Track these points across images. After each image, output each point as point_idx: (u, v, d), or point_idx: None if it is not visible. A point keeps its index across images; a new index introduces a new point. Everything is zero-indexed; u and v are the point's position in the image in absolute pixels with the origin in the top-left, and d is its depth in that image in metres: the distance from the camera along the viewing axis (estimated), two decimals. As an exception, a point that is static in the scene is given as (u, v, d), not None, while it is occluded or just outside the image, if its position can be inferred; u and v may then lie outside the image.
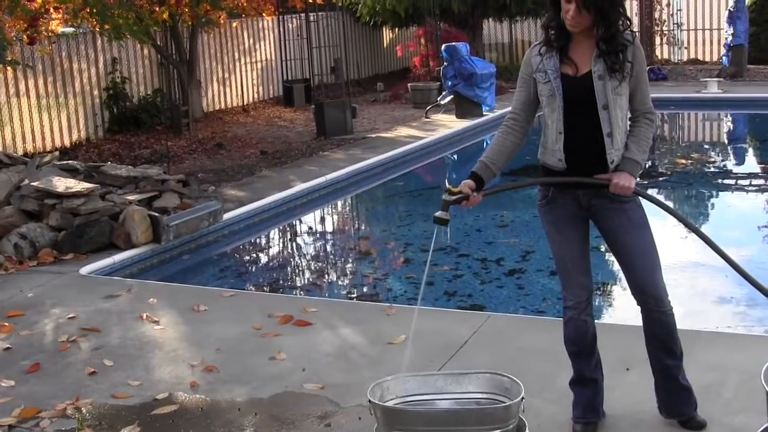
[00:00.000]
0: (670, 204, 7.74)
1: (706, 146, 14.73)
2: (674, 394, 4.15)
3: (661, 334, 4.04)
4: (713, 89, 16.86)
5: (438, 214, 3.99)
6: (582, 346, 4.14)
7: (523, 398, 3.78)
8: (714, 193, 11.27)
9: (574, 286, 4.10)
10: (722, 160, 13.34)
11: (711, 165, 12.69)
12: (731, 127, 16.87)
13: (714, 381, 4.58)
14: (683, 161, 12.63)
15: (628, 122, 4.03)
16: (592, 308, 4.13)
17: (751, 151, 14.21)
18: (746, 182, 11.61)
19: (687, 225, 4.08)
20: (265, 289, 7.99)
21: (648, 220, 4.08)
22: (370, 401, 3.83)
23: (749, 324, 6.43)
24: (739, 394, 4.49)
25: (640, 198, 4.06)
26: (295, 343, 5.53)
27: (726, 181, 11.90)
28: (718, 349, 5.06)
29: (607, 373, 4.27)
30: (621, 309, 6.22)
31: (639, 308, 4.08)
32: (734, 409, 4.33)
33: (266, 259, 9.21)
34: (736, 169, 12.62)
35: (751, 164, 13.13)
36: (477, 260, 8.14)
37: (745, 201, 10.81)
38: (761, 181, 11.73)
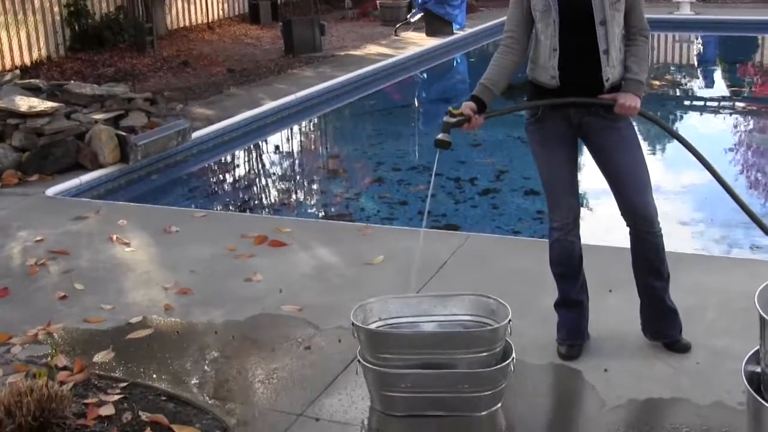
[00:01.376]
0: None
1: (678, 68, 14.61)
2: (660, 316, 4.06)
3: (649, 255, 3.93)
4: (686, 11, 16.73)
5: (439, 136, 3.81)
6: (568, 267, 4.02)
7: (510, 321, 3.67)
8: (683, 114, 11.21)
9: (562, 207, 3.96)
10: (694, 82, 13.25)
11: (683, 87, 12.59)
12: (702, 50, 16.73)
13: (696, 304, 4.50)
14: (656, 82, 12.51)
15: (624, 40, 3.86)
16: (578, 229, 4.00)
17: (721, 73, 14.10)
18: (715, 104, 11.56)
19: (689, 148, 3.92)
20: (237, 209, 7.82)
21: (639, 139, 3.95)
22: (353, 324, 3.70)
23: (729, 247, 6.41)
24: (721, 317, 4.43)
25: (631, 117, 3.91)
26: (270, 265, 5.38)
27: (696, 103, 11.84)
28: (699, 272, 4.97)
29: (590, 295, 4.17)
30: (603, 230, 6.11)
31: (626, 229, 3.97)
32: (717, 332, 4.26)
33: (237, 179, 9.00)
34: (708, 92, 12.57)
35: (722, 87, 13.07)
36: (451, 180, 7.99)
37: (711, 123, 10.75)
38: (730, 103, 11.68)
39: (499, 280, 4.95)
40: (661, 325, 4.07)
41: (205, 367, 4.21)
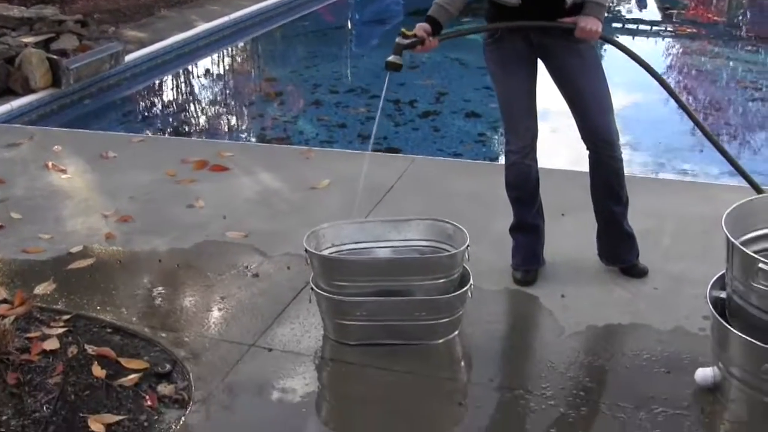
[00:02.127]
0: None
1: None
2: (617, 241, 3.91)
3: (609, 179, 3.75)
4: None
5: (390, 58, 3.54)
6: (524, 191, 3.83)
7: (468, 246, 3.49)
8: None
9: (519, 129, 3.75)
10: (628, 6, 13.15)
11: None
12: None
13: (652, 228, 4.35)
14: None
15: None
16: (535, 152, 3.80)
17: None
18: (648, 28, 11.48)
19: (652, 73, 3.72)
20: (175, 133, 7.46)
21: (601, 61, 3.75)
22: (306, 250, 3.48)
23: (684, 171, 6.28)
24: (677, 241, 4.30)
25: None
26: (213, 190, 5.10)
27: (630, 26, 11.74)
28: (655, 195, 4.82)
29: (545, 219, 3.98)
30: (558, 153, 5.95)
31: (582, 152, 3.78)
32: (674, 257, 4.13)
33: (173, 103, 8.59)
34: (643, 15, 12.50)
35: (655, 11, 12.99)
36: (390, 102, 7.73)
37: (648, 46, 10.64)
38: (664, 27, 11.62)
39: (449, 204, 4.75)
40: (619, 249, 3.93)
41: (151, 298, 3.95)
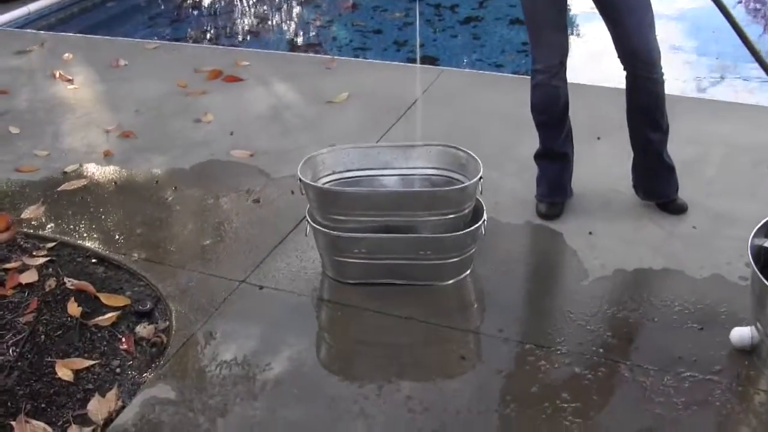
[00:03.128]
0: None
1: None
2: (655, 173, 3.40)
3: (647, 104, 3.23)
4: None
5: None
6: (551, 115, 3.34)
7: (481, 178, 3.04)
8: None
9: (546, 45, 3.23)
10: None
11: None
12: None
13: (695, 157, 3.83)
14: None
15: None
16: (565, 72, 3.28)
17: None
18: None
19: None
20: (195, 39, 6.99)
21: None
22: (300, 180, 3.07)
23: (736, 91, 5.55)
24: (723, 173, 3.76)
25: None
26: (223, 103, 4.66)
27: None
28: (701, 118, 4.26)
29: (575, 142, 3.50)
30: (594, 67, 5.37)
31: (624, 73, 3.27)
32: (717, 191, 3.60)
33: (198, 5, 8.10)
34: None
35: None
36: (430, 6, 7.18)
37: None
38: None
39: (473, 121, 4.27)
40: (656, 183, 3.43)
41: (143, 224, 3.57)
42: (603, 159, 3.83)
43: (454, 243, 3.04)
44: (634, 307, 2.95)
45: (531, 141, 3.53)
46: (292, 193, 3.69)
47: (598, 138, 4.00)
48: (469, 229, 3.03)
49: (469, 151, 3.15)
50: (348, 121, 4.36)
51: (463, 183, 3.16)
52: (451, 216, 3.02)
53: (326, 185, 3.22)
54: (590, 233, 3.34)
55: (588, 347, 2.78)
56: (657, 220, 3.40)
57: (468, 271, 3.15)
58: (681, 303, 2.94)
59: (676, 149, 3.44)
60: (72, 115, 4.61)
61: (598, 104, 4.23)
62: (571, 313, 2.94)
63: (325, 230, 3.06)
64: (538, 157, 3.48)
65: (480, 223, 3.05)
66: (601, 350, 2.77)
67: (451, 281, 3.12)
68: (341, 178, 3.26)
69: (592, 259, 3.20)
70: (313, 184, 3.05)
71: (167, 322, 3.05)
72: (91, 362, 2.86)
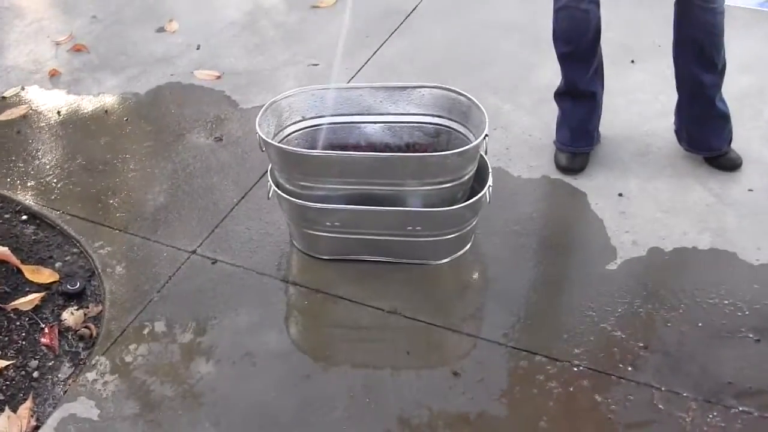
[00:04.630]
0: None
1: None
2: (704, 120, 2.64)
3: (701, 38, 2.45)
4: None
5: None
6: (578, 45, 2.56)
7: (487, 136, 2.32)
8: None
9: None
10: None
11: None
12: None
13: (751, 90, 3.02)
14: None
15: None
16: (598, -10, 2.54)
17: None
18: None
19: None
20: None
21: None
22: (258, 136, 2.35)
23: None
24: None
25: None
26: (192, 7, 3.84)
27: None
28: (761, 37, 3.39)
29: (606, 66, 2.70)
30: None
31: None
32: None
33: None
34: None
35: None
36: None
37: None
38: None
39: (482, 37, 3.46)
40: (704, 132, 2.67)
41: (84, 170, 2.87)
42: (638, 90, 3.06)
43: (451, 217, 2.36)
44: (673, 304, 2.26)
45: (553, 64, 2.76)
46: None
47: (632, 61, 3.21)
48: (468, 202, 2.33)
49: (472, 97, 2.41)
50: (335, 31, 3.57)
51: (463, 135, 2.45)
52: (447, 185, 2.32)
53: (293, 135, 2.52)
54: (620, 195, 2.63)
55: (612, 363, 2.12)
56: (704, 180, 2.66)
57: (467, 246, 2.48)
58: (733, 300, 2.25)
59: (731, 88, 2.68)
60: (20, 22, 3.81)
61: (632, 15, 3.42)
62: (593, 311, 2.26)
63: (290, 198, 2.38)
64: (560, 95, 2.73)
65: (483, 192, 2.35)
66: (629, 368, 2.11)
67: (446, 260, 2.46)
68: (313, 126, 2.54)
69: (622, 233, 2.49)
70: (272, 142, 2.33)
71: (99, 306, 2.41)
72: (5, 363, 2.25)
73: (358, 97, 2.52)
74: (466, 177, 2.35)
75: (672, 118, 2.76)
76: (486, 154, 2.35)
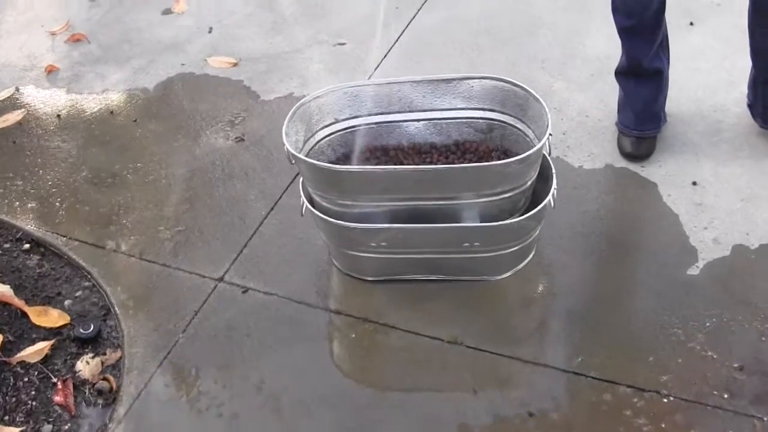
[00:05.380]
0: None
1: None
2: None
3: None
4: None
5: None
6: (641, 18, 2.18)
7: (550, 134, 1.98)
8: None
9: None
10: None
11: None
12: None
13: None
14: None
15: None
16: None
17: None
18: None
19: None
20: None
21: None
22: (287, 150, 2.02)
23: None
24: None
25: None
26: (203, -18, 3.50)
27: None
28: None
29: (669, 32, 2.35)
30: None
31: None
32: None
33: None
34: None
35: None
36: None
37: None
38: None
39: (520, 5, 3.06)
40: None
41: (90, 184, 2.55)
42: (700, 57, 2.70)
43: (513, 230, 2.03)
44: (757, 318, 1.96)
45: (603, 29, 2.42)
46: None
47: (691, 23, 2.84)
48: (531, 212, 2.00)
49: (529, 88, 2.06)
50: (360, 4, 3.21)
51: (519, 130, 2.12)
52: (508, 195, 1.99)
53: (326, 141, 2.19)
54: (694, 183, 2.29)
55: (705, 389, 1.82)
56: (790, 163, 2.33)
57: (530, 256, 2.16)
58: None
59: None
60: (13, 11, 3.45)
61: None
62: (678, 326, 1.95)
63: (327, 219, 2.06)
64: (622, 74, 2.36)
65: (548, 198, 2.02)
66: (725, 395, 1.81)
67: (507, 274, 2.14)
68: (347, 128, 2.21)
69: (701, 229, 2.17)
70: (302, 157, 1.99)
71: (118, 352, 2.12)
72: (15, 430, 1.97)
73: (398, 93, 2.18)
74: (529, 183, 2.02)
75: (741, 88, 2.42)
76: (549, 153, 2.02)
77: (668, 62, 2.33)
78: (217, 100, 2.81)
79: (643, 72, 2.30)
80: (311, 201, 2.10)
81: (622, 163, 2.38)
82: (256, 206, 2.40)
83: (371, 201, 2.01)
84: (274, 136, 2.61)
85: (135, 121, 2.77)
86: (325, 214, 2.04)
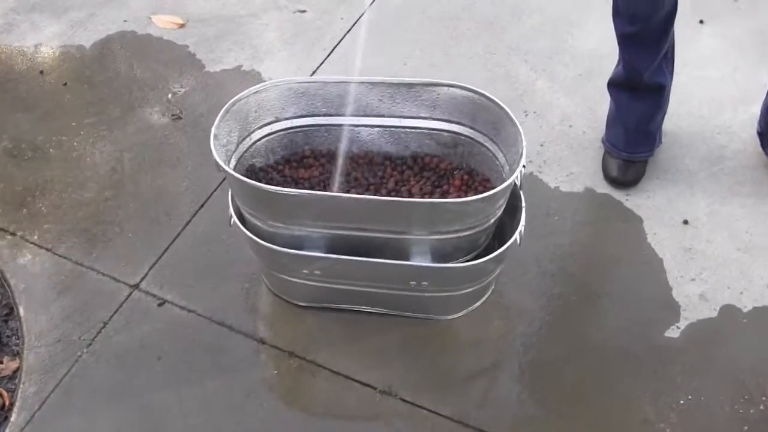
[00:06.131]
0: None
1: None
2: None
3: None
4: None
5: None
6: (647, 24, 1.83)
7: (524, 167, 1.66)
8: None
9: None
10: None
11: None
12: None
13: None
14: None
15: None
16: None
17: None
18: None
19: None
20: None
21: None
22: (215, 160, 1.69)
23: None
24: None
25: None
26: None
27: None
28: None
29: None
30: None
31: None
32: None
33: None
34: None
35: None
36: None
37: None
38: None
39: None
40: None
41: (9, 158, 2.20)
42: (708, 64, 2.36)
43: (469, 272, 1.73)
44: (754, 397, 1.66)
45: (598, 21, 2.09)
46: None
47: (701, 22, 2.49)
48: (493, 255, 1.68)
49: (502, 104, 1.73)
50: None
51: (488, 150, 1.79)
52: (465, 233, 1.68)
53: (263, 142, 1.86)
54: (685, 222, 1.98)
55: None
56: (799, 207, 2.02)
57: (487, 295, 1.86)
58: None
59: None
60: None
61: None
62: (647, 401, 1.65)
63: (257, 240, 1.74)
64: (616, 86, 2.02)
65: (514, 237, 1.71)
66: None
67: (458, 314, 1.85)
68: (289, 129, 1.88)
69: (688, 281, 1.86)
70: (230, 171, 1.64)
71: (16, 361, 1.82)
72: None
73: (354, 93, 1.84)
74: (492, 220, 1.70)
75: (752, 109, 2.11)
76: (521, 186, 1.70)
77: (672, 76, 2.00)
78: (158, 68, 2.45)
79: (641, 86, 1.96)
80: (241, 215, 1.78)
81: (604, 188, 2.06)
82: (184, 200, 2.08)
83: (305, 226, 1.70)
84: (214, 115, 2.25)
85: (65, 84, 2.42)
86: (255, 233, 1.73)
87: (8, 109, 2.36)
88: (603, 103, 2.16)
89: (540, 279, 1.88)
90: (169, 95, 2.36)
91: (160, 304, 1.87)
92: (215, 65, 2.45)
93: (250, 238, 1.73)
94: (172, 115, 2.30)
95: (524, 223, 1.71)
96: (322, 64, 2.44)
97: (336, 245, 1.71)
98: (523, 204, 1.74)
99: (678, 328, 1.79)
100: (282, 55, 2.46)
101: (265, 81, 2.34)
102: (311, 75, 2.40)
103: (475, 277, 1.73)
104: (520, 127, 1.67)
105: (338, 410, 1.69)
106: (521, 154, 1.63)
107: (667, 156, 2.12)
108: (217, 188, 2.10)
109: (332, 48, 2.49)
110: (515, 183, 1.66)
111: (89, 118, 2.31)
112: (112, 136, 2.25)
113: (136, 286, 1.90)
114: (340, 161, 1.86)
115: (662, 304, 1.83)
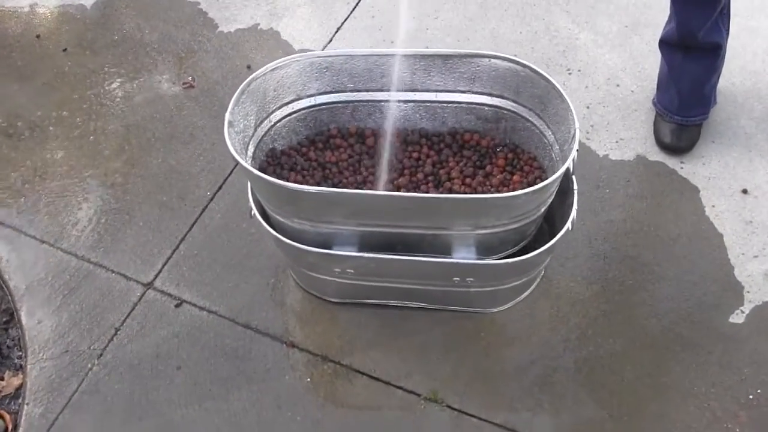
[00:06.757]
0: None
1: None
2: None
3: None
4: None
5: None
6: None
7: (576, 149, 1.45)
8: None
9: None
10: None
11: None
12: None
13: None
14: None
15: None
16: None
17: None
18: None
19: None
20: None
21: None
22: (235, 159, 1.49)
23: None
24: None
25: None
26: None
27: None
28: None
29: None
30: None
31: None
32: None
33: None
34: None
35: None
36: None
37: None
38: None
39: None
40: None
41: (4, 137, 2.00)
42: (759, 11, 2.12)
43: (516, 267, 1.54)
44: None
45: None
46: (248, 68, 2.10)
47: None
48: (544, 248, 1.50)
49: (550, 77, 1.52)
50: None
51: (533, 125, 1.59)
52: (513, 226, 1.49)
53: (284, 122, 1.66)
54: (744, 191, 1.78)
55: None
56: None
57: (535, 284, 1.69)
58: None
59: None
60: None
61: None
62: (713, 398, 1.49)
63: (282, 239, 1.55)
64: (668, 45, 1.80)
65: (566, 226, 1.52)
66: None
67: (506, 306, 1.68)
68: (313, 106, 1.67)
69: (750, 258, 1.67)
70: (247, 166, 1.45)
71: (19, 377, 1.66)
72: None
73: (381, 67, 1.64)
74: (542, 210, 1.51)
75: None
76: (573, 171, 1.50)
77: (728, 33, 1.77)
78: (167, 28, 2.23)
79: (696, 45, 1.74)
80: (262, 208, 1.59)
81: (657, 155, 1.86)
82: (200, 182, 1.89)
83: (335, 224, 1.51)
84: (230, 82, 2.06)
85: (65, 50, 2.21)
86: (278, 229, 1.55)
87: (1, 80, 2.16)
88: (651, 57, 1.94)
89: (592, 262, 1.70)
90: (180, 59, 2.15)
91: (177, 305, 1.70)
92: (229, 24, 2.23)
93: (274, 235, 1.55)
94: (184, 84, 2.09)
95: (576, 208, 1.53)
96: (346, 20, 2.21)
97: (369, 241, 1.53)
98: (575, 186, 1.55)
99: (742, 312, 1.61)
100: (302, 11, 2.23)
101: (284, 41, 2.13)
102: (335, 32, 2.18)
103: (524, 270, 1.55)
104: (570, 104, 1.46)
105: (379, 422, 1.53)
106: (573, 136, 1.43)
107: (721, 117, 1.90)
108: (235, 167, 1.91)
109: (357, 1, 2.26)
110: (568, 168, 1.47)
111: (92, 88, 2.10)
112: (118, 110, 2.05)
113: (150, 285, 1.74)
114: (371, 141, 1.67)
115: (724, 285, 1.65)
